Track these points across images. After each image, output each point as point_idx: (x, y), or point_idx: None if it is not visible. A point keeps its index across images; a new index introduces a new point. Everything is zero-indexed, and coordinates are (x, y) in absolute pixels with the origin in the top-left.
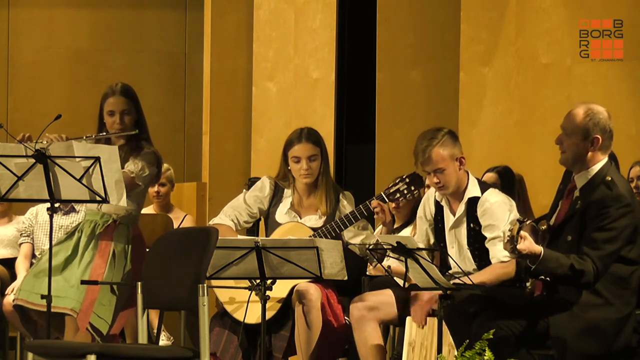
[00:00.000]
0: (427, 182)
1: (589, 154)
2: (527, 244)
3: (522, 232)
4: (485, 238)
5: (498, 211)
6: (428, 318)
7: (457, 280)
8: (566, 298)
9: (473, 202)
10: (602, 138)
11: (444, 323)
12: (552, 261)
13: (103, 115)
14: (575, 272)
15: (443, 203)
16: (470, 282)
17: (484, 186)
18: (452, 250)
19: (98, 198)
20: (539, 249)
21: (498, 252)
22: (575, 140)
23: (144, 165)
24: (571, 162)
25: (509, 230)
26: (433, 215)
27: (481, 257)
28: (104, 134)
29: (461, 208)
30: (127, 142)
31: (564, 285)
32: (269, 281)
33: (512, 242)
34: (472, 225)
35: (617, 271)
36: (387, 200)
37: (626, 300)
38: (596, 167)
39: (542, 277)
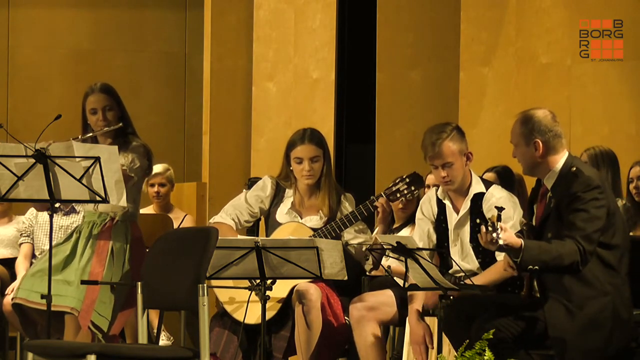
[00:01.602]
0: (427, 182)
1: (539, 158)
2: (508, 234)
3: (501, 224)
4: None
5: (505, 206)
6: (427, 318)
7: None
8: (561, 295)
9: (478, 198)
10: (542, 140)
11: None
12: (535, 249)
13: (86, 116)
14: (559, 253)
15: (446, 201)
16: (473, 283)
17: (486, 183)
18: (455, 248)
19: (98, 198)
20: (518, 240)
21: None
22: (521, 150)
23: (134, 157)
24: (529, 170)
25: (488, 218)
26: (436, 215)
27: (484, 254)
28: (90, 134)
29: (466, 205)
30: (114, 139)
31: (553, 274)
32: (269, 281)
33: (494, 229)
34: (477, 220)
35: (604, 259)
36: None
37: (619, 289)
38: (559, 164)
39: (531, 266)
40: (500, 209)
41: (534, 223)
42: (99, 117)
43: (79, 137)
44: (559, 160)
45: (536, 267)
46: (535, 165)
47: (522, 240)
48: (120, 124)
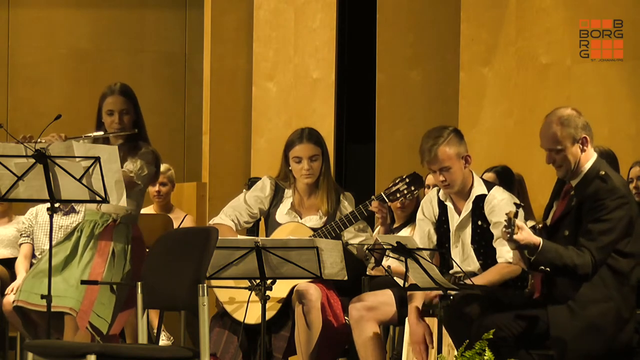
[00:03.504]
0: (427, 182)
1: (583, 155)
2: (525, 234)
3: (518, 222)
4: (492, 236)
5: (506, 208)
6: (427, 318)
7: (460, 282)
8: (565, 295)
9: (480, 200)
10: (588, 135)
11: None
12: (551, 252)
13: (101, 115)
14: (573, 263)
15: (447, 203)
16: (472, 284)
17: (488, 184)
18: (456, 249)
19: (98, 198)
20: (537, 239)
21: (505, 253)
22: (569, 152)
23: (143, 165)
24: (572, 172)
25: (506, 214)
26: (437, 216)
27: (486, 255)
28: (102, 133)
29: (468, 206)
30: (125, 142)
31: (562, 278)
32: (269, 281)
33: (509, 226)
34: (479, 222)
35: (615, 266)
36: (387, 201)
37: (625, 296)
38: (588, 165)
39: (542, 267)
40: (518, 206)
41: (549, 221)
42: (115, 120)
43: (92, 135)
44: (589, 159)
45: (547, 268)
46: (577, 165)
47: (541, 240)
48: (135, 130)
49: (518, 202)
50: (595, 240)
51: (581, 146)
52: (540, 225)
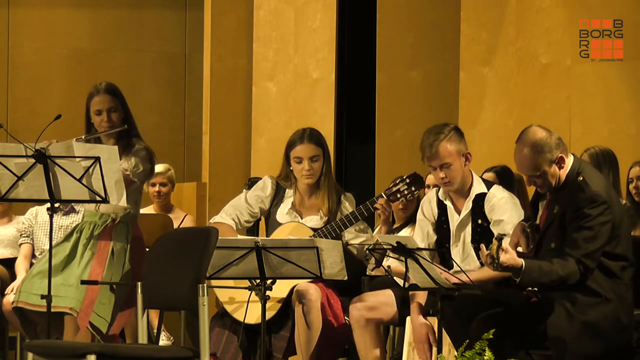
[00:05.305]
0: (427, 182)
1: (562, 170)
2: (509, 257)
3: (503, 245)
4: (492, 235)
5: (506, 207)
6: (427, 318)
7: (456, 280)
8: (563, 299)
9: (479, 199)
10: (562, 153)
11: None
12: (535, 271)
13: (90, 116)
14: (559, 276)
15: (447, 202)
16: (470, 281)
17: (488, 183)
18: (456, 248)
19: (98, 198)
20: (519, 261)
21: None
22: (547, 175)
23: (137, 162)
24: (553, 186)
25: (488, 249)
26: (436, 217)
27: None
28: (92, 134)
29: (467, 205)
30: (117, 141)
31: (553, 292)
32: (269, 281)
33: (492, 260)
34: (479, 221)
35: (607, 267)
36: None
37: (621, 295)
38: (566, 171)
39: (530, 288)
40: (500, 239)
41: (537, 221)
42: (103, 119)
43: (83, 137)
44: (567, 169)
45: (535, 288)
46: (557, 180)
47: (523, 262)
48: (125, 126)
49: (503, 234)
50: (581, 248)
51: (559, 164)
52: (529, 230)
